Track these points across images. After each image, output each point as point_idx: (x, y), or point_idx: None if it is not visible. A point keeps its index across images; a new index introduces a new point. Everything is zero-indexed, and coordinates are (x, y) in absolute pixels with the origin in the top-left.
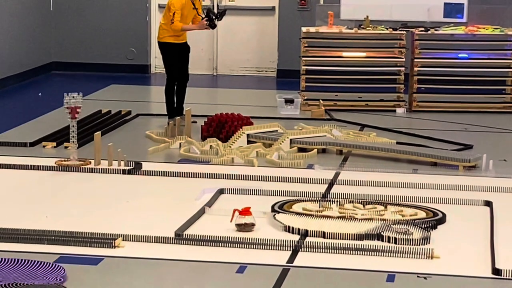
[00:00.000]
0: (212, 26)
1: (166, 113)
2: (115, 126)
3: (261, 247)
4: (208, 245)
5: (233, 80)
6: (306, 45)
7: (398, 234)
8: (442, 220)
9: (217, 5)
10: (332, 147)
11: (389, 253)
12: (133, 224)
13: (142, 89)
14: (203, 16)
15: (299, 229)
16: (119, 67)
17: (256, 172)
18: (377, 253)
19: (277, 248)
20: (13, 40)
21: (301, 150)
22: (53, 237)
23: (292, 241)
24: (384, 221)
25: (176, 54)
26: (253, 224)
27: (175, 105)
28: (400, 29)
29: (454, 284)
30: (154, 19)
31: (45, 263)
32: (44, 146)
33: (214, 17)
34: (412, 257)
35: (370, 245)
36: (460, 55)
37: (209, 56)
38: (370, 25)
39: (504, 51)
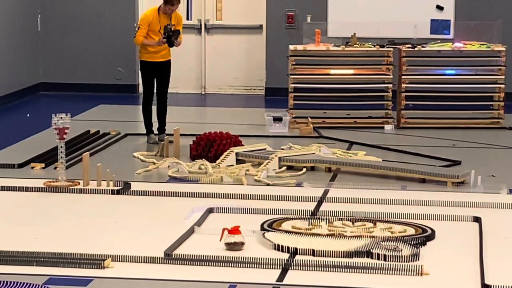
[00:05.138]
0: (169, 43)
1: (155, 132)
2: (104, 147)
3: (251, 266)
4: (197, 265)
5: (222, 99)
6: (294, 63)
7: (387, 251)
8: (431, 237)
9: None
10: (321, 165)
11: (379, 270)
12: (122, 245)
13: (131, 109)
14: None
15: (288, 247)
16: (107, 87)
17: (245, 191)
18: (367, 270)
19: (266, 267)
20: (1, 61)
21: (289, 168)
22: (42, 259)
23: (282, 259)
24: (374, 238)
25: (150, 73)
26: (242, 243)
27: (158, 125)
28: (387, 46)
29: None
30: None
31: (35, 285)
32: (32, 167)
33: (170, 35)
34: (401, 274)
35: (360, 263)
36: (447, 71)
37: (197, 75)
38: (357, 42)
39: (491, 67)
